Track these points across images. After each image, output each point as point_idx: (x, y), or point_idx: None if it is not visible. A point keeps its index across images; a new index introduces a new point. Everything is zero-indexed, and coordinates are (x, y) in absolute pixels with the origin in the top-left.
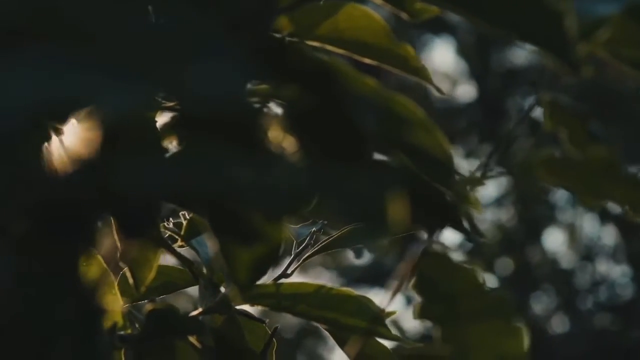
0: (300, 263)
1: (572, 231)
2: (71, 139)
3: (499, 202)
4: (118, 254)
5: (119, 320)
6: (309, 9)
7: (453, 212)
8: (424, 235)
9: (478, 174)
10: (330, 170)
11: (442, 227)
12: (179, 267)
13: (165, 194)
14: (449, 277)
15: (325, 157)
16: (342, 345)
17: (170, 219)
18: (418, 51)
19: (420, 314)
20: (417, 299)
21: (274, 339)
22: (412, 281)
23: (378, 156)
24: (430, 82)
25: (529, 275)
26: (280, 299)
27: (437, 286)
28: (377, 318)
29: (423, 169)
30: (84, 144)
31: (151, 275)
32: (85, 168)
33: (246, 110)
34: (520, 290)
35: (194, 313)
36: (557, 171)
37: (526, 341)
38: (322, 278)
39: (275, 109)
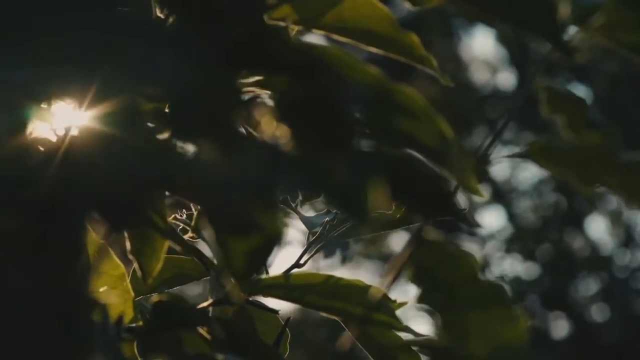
0: (313, 254)
1: (613, 218)
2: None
3: (539, 188)
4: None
5: (130, 312)
6: None
7: (449, 201)
8: (422, 223)
9: (478, 161)
10: (313, 158)
11: (438, 215)
12: (193, 258)
13: (143, 183)
14: (446, 265)
15: (312, 146)
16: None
17: (184, 210)
18: (458, 39)
19: (420, 302)
20: (417, 287)
21: (287, 330)
22: (410, 270)
23: (366, 144)
24: (435, 70)
25: (569, 262)
26: (290, 289)
27: (435, 274)
28: (387, 308)
29: (425, 156)
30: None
31: (158, 266)
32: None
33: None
34: (560, 277)
35: (204, 304)
36: (552, 158)
37: (525, 329)
38: (364, 266)
39: (266, 98)
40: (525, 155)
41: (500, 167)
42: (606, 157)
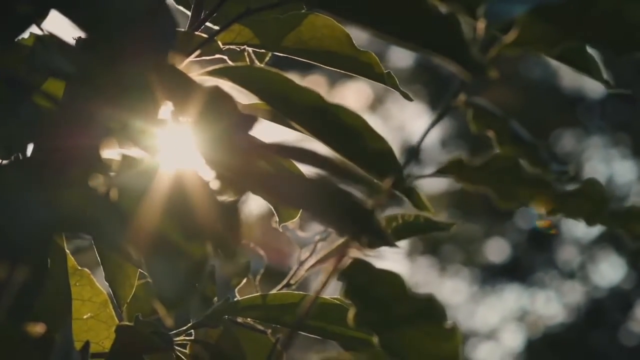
0: (304, 274)
1: None
2: None
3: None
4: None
5: (114, 337)
6: (272, 21)
7: (370, 220)
8: (349, 242)
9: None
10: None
11: (362, 234)
12: None
13: None
14: (377, 284)
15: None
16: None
17: None
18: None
19: (356, 322)
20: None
21: (279, 348)
22: (344, 288)
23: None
24: (397, 87)
25: None
26: (267, 310)
27: (367, 293)
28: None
29: (368, 171)
30: None
31: (131, 292)
32: None
33: None
34: None
35: (184, 327)
36: (467, 175)
37: (459, 343)
38: (461, 274)
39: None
40: (441, 172)
41: (594, 169)
42: (519, 171)
